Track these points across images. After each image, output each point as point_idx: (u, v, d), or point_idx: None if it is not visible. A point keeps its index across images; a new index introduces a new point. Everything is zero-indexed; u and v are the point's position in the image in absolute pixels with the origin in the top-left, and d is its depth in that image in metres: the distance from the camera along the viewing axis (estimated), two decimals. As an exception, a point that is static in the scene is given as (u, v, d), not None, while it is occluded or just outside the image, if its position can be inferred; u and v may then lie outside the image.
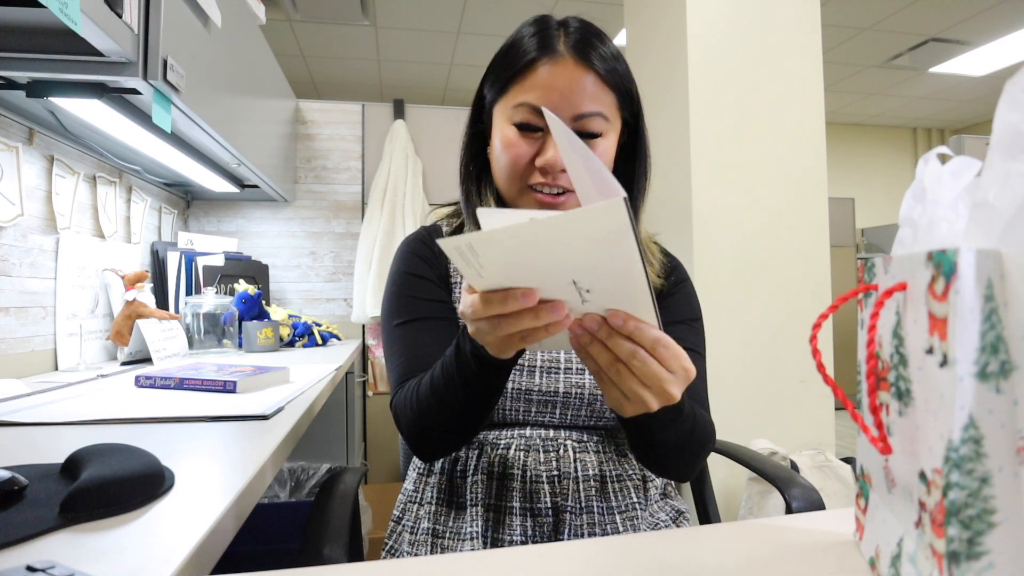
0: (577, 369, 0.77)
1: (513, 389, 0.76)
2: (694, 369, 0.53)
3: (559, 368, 0.77)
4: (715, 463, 1.53)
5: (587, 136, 0.72)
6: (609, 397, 0.54)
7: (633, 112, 0.78)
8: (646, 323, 0.49)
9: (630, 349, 0.49)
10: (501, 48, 0.77)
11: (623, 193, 0.42)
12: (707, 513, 1.08)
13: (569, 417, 0.77)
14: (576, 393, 0.76)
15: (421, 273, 0.82)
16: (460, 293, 0.83)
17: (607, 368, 0.51)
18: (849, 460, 1.87)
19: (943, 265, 0.32)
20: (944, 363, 0.32)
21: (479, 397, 0.64)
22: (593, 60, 0.71)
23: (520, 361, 0.78)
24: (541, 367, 0.77)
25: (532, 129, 0.72)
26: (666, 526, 0.79)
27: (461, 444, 0.73)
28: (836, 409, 2.22)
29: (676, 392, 0.52)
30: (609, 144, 0.74)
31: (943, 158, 0.44)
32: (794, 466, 1.73)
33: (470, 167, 0.82)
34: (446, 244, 0.43)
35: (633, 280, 0.46)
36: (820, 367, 0.41)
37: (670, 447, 0.65)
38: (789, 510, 0.81)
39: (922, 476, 0.35)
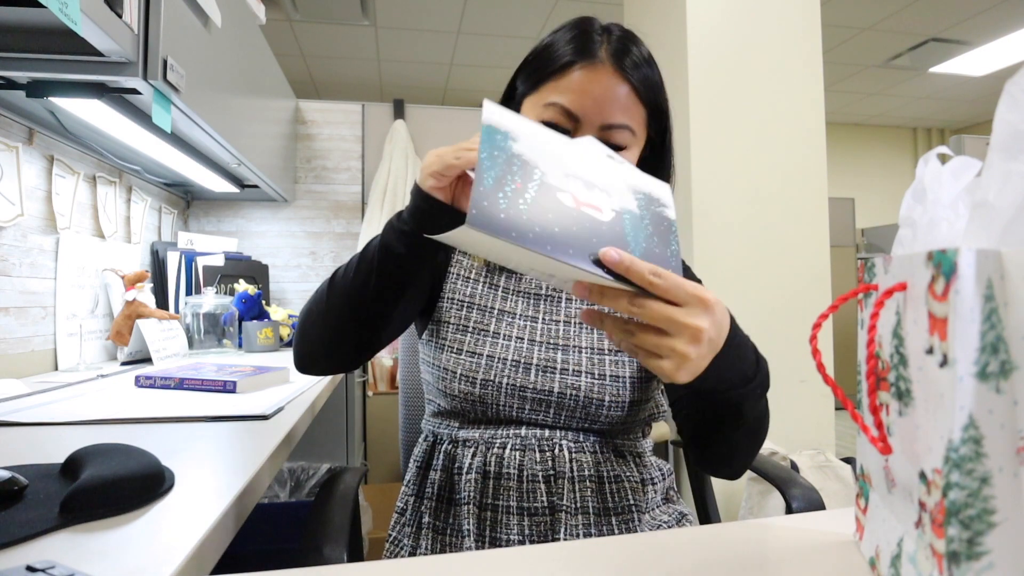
0: (573, 371, 0.77)
1: (507, 384, 0.76)
2: (712, 296, 0.49)
3: (555, 368, 0.77)
4: (715, 463, 1.53)
5: (611, 147, 0.72)
6: (658, 371, 0.50)
7: (660, 128, 0.78)
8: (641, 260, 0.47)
9: (622, 299, 0.48)
10: (541, 42, 0.76)
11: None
12: (707, 513, 1.08)
13: (563, 418, 0.77)
14: (571, 395, 0.76)
15: None
16: (454, 282, 0.83)
17: (624, 337, 0.50)
18: (849, 460, 1.87)
19: (943, 265, 0.32)
20: (944, 363, 0.32)
21: (385, 272, 0.65)
22: (630, 71, 0.71)
23: (516, 357, 0.78)
24: (537, 365, 0.77)
25: (560, 131, 0.72)
26: (669, 529, 0.79)
27: (339, 347, 0.71)
28: (836, 409, 2.22)
29: (703, 323, 0.48)
30: (630, 158, 0.74)
31: (943, 158, 0.44)
32: (794, 466, 1.73)
33: None
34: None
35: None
36: (820, 367, 0.41)
37: (752, 422, 0.63)
38: (789, 510, 0.81)
39: (922, 476, 0.35)
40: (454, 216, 0.59)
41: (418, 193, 0.61)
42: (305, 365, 0.75)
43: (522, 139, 0.48)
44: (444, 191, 0.60)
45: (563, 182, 0.48)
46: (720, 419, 0.65)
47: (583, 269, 0.45)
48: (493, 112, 0.48)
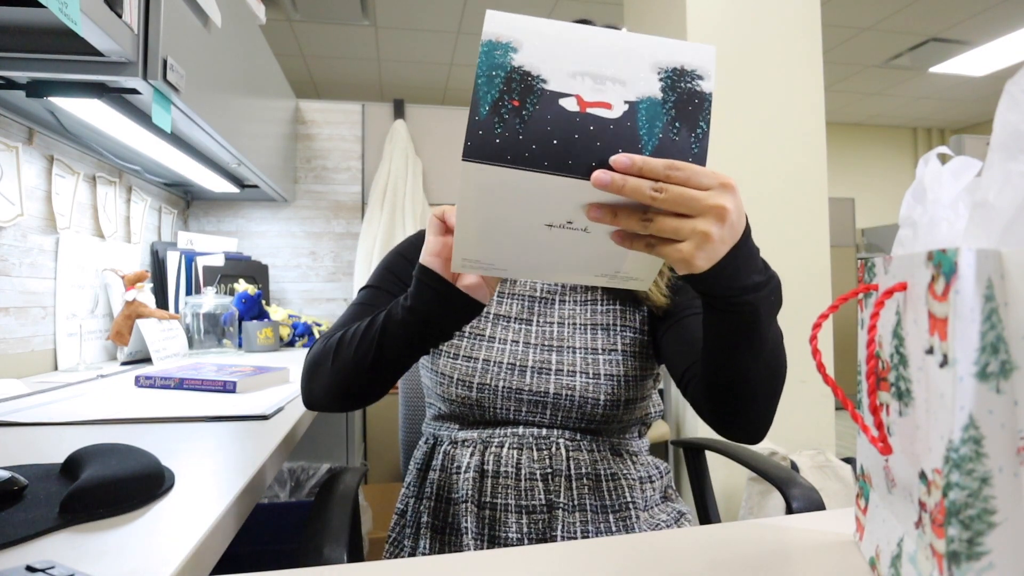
0: (568, 371, 0.77)
1: (503, 388, 0.77)
2: (733, 180, 0.48)
3: (550, 369, 0.78)
4: (715, 463, 1.53)
5: None
6: (677, 257, 0.49)
7: None
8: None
9: (643, 184, 0.45)
10: None
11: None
12: (707, 513, 1.08)
13: (560, 418, 0.77)
14: (566, 395, 0.76)
15: (412, 257, 0.82)
16: None
17: (642, 226, 0.47)
18: (849, 460, 1.87)
19: (943, 265, 0.32)
20: (944, 363, 0.32)
21: (382, 358, 0.66)
22: None
23: (511, 360, 0.79)
24: (532, 367, 0.78)
25: None
26: (667, 527, 0.79)
27: (342, 399, 0.72)
28: (836, 409, 2.22)
29: (727, 203, 0.47)
30: None
31: (943, 158, 0.44)
32: (794, 466, 1.73)
33: None
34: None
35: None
36: (820, 367, 0.41)
37: (768, 353, 0.60)
38: (789, 510, 0.81)
39: (922, 476, 0.35)
40: (456, 297, 0.62)
41: (419, 269, 0.62)
42: (312, 407, 0.77)
43: (526, 45, 0.46)
44: (443, 263, 0.61)
45: (567, 84, 0.46)
46: (736, 341, 0.60)
47: (582, 179, 0.45)
48: (495, 22, 0.46)
